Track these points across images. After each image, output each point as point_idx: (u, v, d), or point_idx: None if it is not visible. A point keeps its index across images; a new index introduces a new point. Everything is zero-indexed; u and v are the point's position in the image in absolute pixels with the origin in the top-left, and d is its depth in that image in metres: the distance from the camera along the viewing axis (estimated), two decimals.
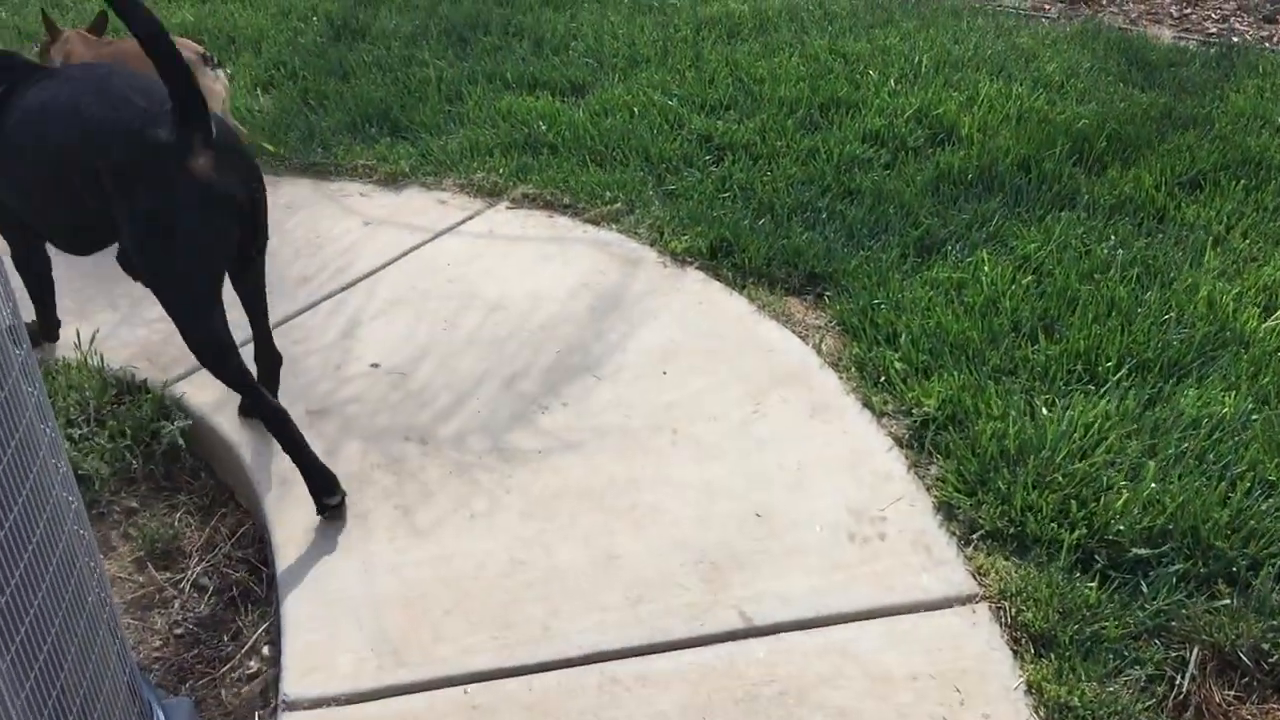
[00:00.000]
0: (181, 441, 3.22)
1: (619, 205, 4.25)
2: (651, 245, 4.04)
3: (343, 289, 3.86)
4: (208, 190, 2.64)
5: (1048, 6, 6.12)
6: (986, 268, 3.72)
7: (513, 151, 4.64)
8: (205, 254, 2.75)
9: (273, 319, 3.70)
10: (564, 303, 3.75)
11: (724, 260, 3.90)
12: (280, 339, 3.59)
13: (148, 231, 2.68)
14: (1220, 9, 5.86)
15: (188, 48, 4.22)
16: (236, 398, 3.27)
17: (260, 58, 5.55)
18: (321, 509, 2.88)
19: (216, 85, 4.25)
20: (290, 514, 2.92)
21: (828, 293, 3.72)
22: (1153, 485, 2.82)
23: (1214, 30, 5.69)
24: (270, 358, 3.23)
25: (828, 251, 3.87)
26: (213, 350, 2.83)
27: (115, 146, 2.64)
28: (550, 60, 5.43)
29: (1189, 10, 5.88)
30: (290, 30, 5.86)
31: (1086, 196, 4.14)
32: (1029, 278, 3.68)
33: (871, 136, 4.58)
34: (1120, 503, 2.77)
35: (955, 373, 3.25)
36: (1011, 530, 2.75)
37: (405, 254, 4.07)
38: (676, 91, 5.05)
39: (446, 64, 5.41)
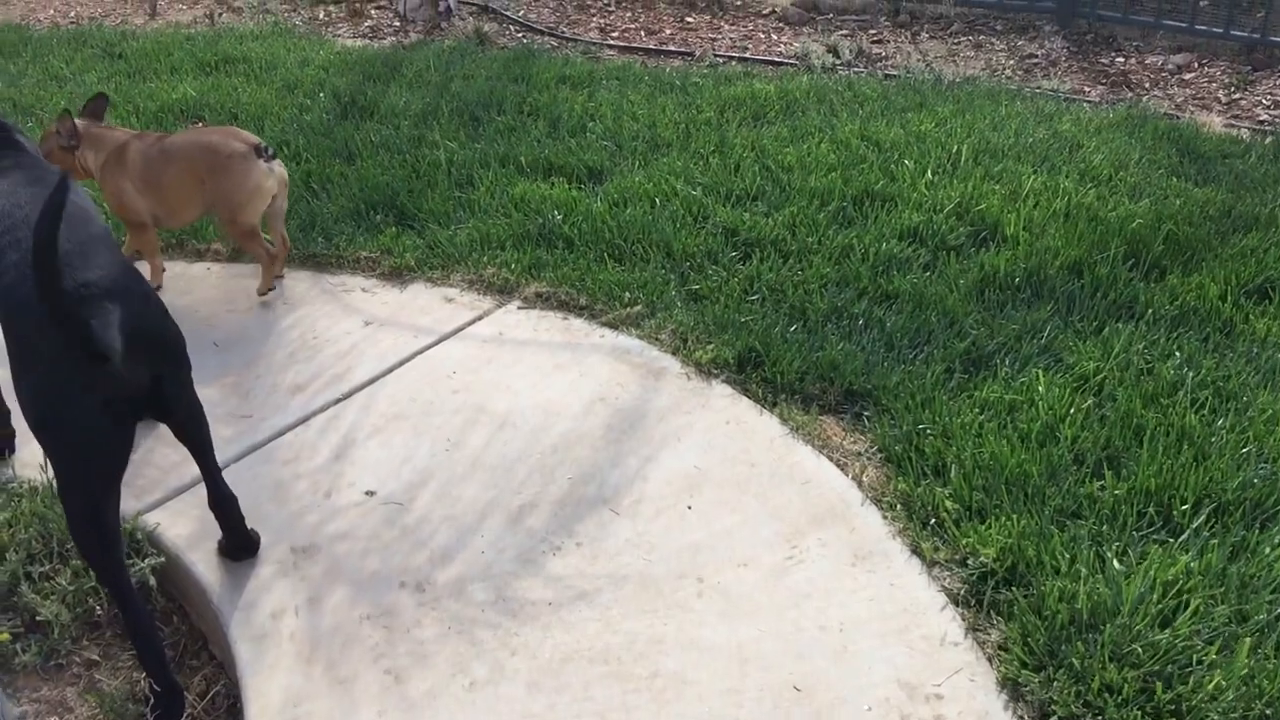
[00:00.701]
0: (153, 581, 2.89)
1: (639, 308, 3.94)
2: (674, 354, 3.72)
3: (338, 400, 3.56)
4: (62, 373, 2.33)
5: (1087, 90, 5.85)
6: (1041, 388, 3.40)
7: (525, 244, 4.36)
8: (64, 437, 2.44)
9: (263, 432, 3.41)
10: (579, 419, 3.44)
11: (753, 373, 3.59)
12: (268, 459, 3.29)
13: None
14: (1271, 94, 5.58)
15: (240, 138, 3.99)
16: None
17: (262, 136, 5.28)
18: None
19: (270, 181, 4.01)
20: (267, 678, 2.59)
21: (867, 413, 3.40)
22: (1247, 662, 2.48)
23: (1265, 118, 5.41)
24: (223, 503, 2.89)
25: (866, 365, 3.56)
26: (84, 541, 2.51)
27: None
28: (566, 143, 5.17)
29: (1238, 95, 5.59)
30: (295, 107, 5.61)
31: (1146, 306, 3.82)
32: (1089, 400, 3.35)
33: (909, 233, 4.28)
34: (1211, 684, 2.42)
35: (1013, 515, 2.91)
36: (1089, 717, 2.40)
37: (408, 360, 3.77)
38: (700, 179, 4.77)
39: (458, 145, 5.15)
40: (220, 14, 7.23)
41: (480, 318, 4.01)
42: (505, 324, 3.97)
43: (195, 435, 2.79)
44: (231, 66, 6.10)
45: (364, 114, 5.55)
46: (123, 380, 2.39)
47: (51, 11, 7.49)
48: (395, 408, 3.52)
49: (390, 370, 3.72)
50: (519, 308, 4.06)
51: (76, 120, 4.07)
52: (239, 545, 2.93)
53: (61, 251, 2.42)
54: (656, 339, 3.81)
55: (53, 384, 2.36)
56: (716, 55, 6.41)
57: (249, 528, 2.95)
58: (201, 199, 4.10)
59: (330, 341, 3.88)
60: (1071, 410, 3.30)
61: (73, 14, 7.44)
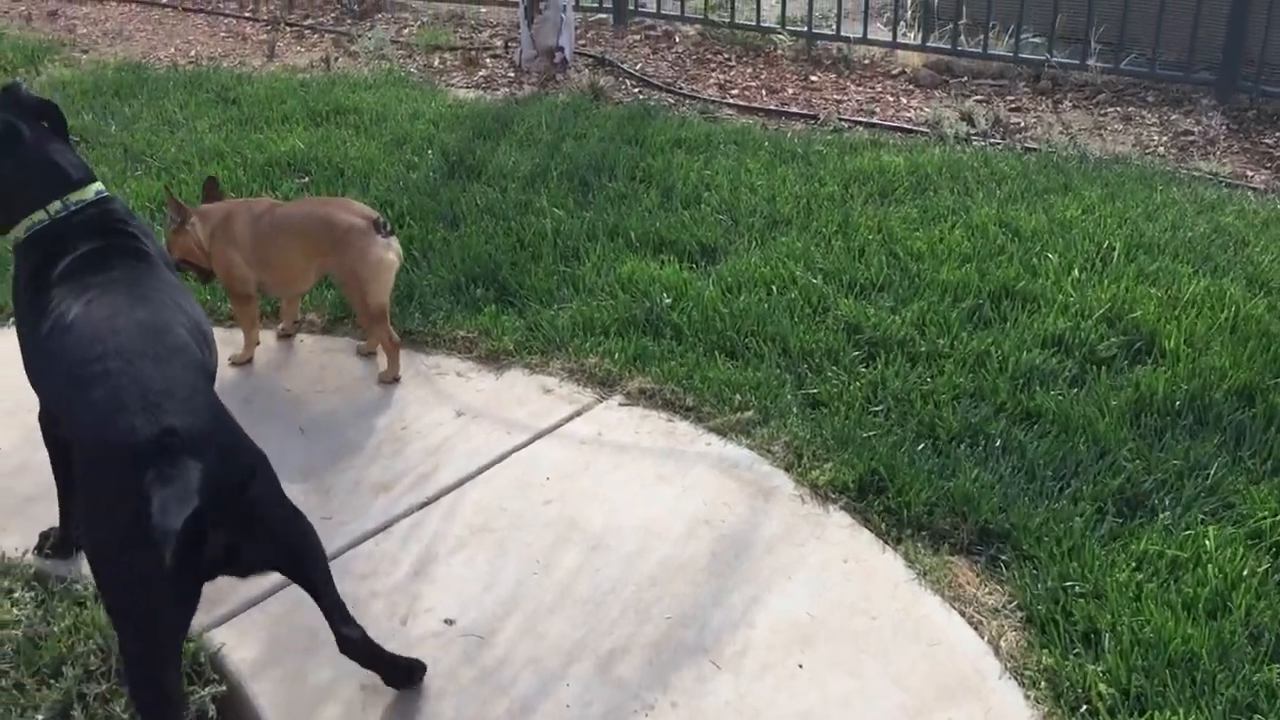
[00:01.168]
0: (212, 712, 2.66)
1: (750, 413, 3.62)
2: (787, 470, 3.39)
3: (423, 504, 3.30)
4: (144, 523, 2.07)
5: (1250, 174, 5.36)
6: (1209, 543, 2.98)
7: (631, 331, 4.07)
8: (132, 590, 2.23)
9: (342, 538, 3.18)
10: (680, 544, 3.13)
11: (875, 500, 3.24)
12: (345, 571, 3.03)
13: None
14: None
15: (357, 212, 3.78)
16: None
17: (367, 195, 5.12)
18: None
19: (389, 254, 3.79)
20: None
21: (1005, 557, 3.02)
22: None
23: None
24: (351, 647, 2.61)
25: (1004, 499, 3.18)
26: (141, 700, 2.31)
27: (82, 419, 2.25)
28: (679, 215, 4.88)
29: None
30: (402, 164, 5.44)
31: None
32: (1265, 563, 2.93)
33: (1053, 341, 3.89)
34: None
35: (1179, 708, 2.51)
36: None
37: (499, 460, 3.51)
38: (821, 264, 4.44)
39: (565, 214, 4.90)
40: (336, 58, 7.15)
41: (579, 413, 3.73)
42: (605, 423, 3.68)
43: (306, 575, 2.54)
44: (342, 117, 5.97)
45: (471, 174, 5.35)
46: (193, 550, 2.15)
47: (172, 50, 7.50)
48: (482, 517, 3.25)
49: (480, 471, 3.46)
50: (621, 404, 3.77)
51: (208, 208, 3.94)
52: (396, 679, 2.68)
53: (145, 382, 2.26)
54: (768, 451, 3.49)
55: (114, 541, 2.15)
56: (841, 119, 6.07)
57: (404, 658, 2.68)
58: (315, 272, 3.92)
59: (420, 434, 3.64)
60: (1245, 573, 2.88)
61: (193, 52, 7.44)
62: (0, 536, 3.22)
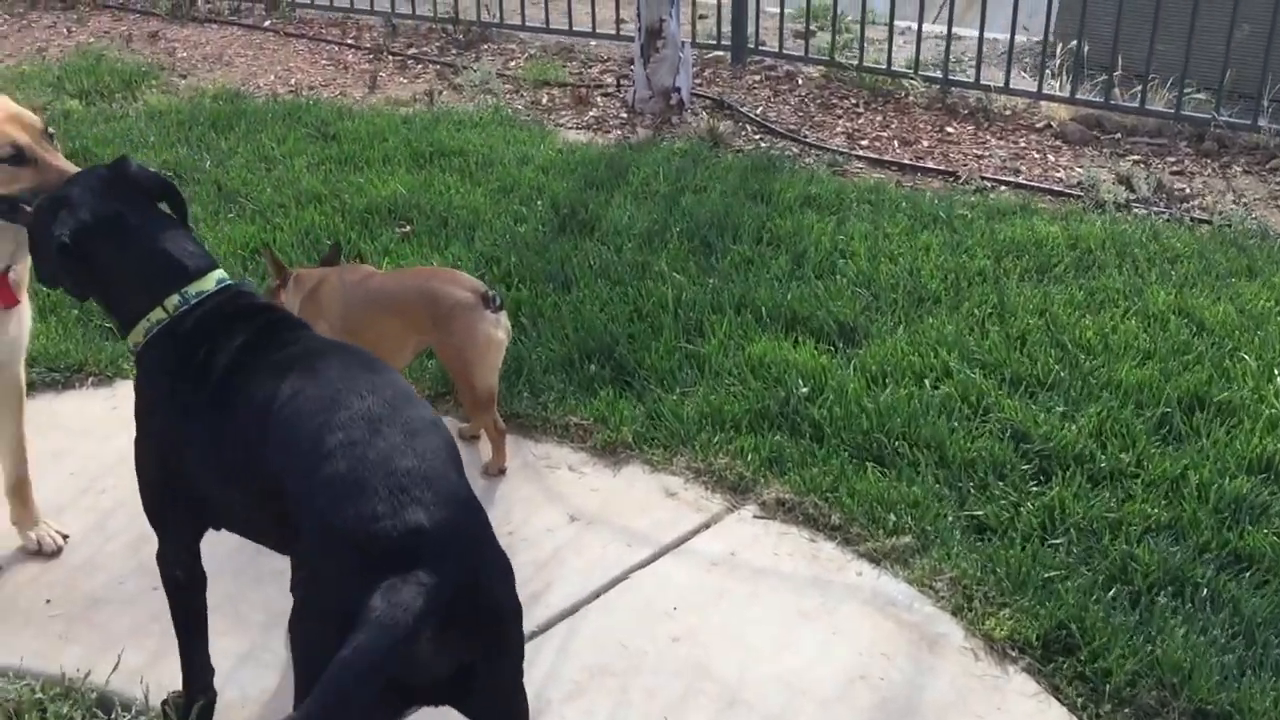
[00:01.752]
0: None
1: (908, 539, 3.15)
2: (955, 615, 2.92)
3: (534, 634, 2.87)
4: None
5: None
6: None
7: (764, 426, 3.63)
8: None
9: None
10: (830, 707, 2.67)
11: (1064, 663, 2.74)
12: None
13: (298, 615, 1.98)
14: None
15: (463, 284, 3.38)
16: None
17: (471, 249, 4.74)
18: None
19: (499, 333, 3.38)
20: None
21: None
22: None
23: None
24: None
25: (1222, 672, 2.66)
26: None
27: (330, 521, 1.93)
28: (812, 285, 4.42)
29: None
30: (510, 216, 5.05)
31: None
32: None
33: (1260, 464, 3.36)
34: None
35: None
36: None
37: (619, 581, 3.08)
38: (976, 352, 3.95)
39: (687, 280, 4.47)
40: (440, 92, 6.82)
41: (707, 525, 3.29)
42: (738, 538, 3.24)
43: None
44: (446, 160, 5.61)
45: (583, 229, 4.94)
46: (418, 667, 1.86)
47: (271, 77, 7.24)
48: (600, 656, 2.82)
49: (597, 594, 3.03)
50: (755, 516, 3.32)
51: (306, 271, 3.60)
52: None
53: (391, 458, 1.96)
54: (930, 587, 3.01)
55: (327, 644, 1.80)
56: (984, 177, 5.56)
57: None
58: (412, 351, 3.54)
59: (528, 541, 3.22)
60: None
61: (293, 80, 7.17)
62: (60, 648, 2.86)
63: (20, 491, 3.20)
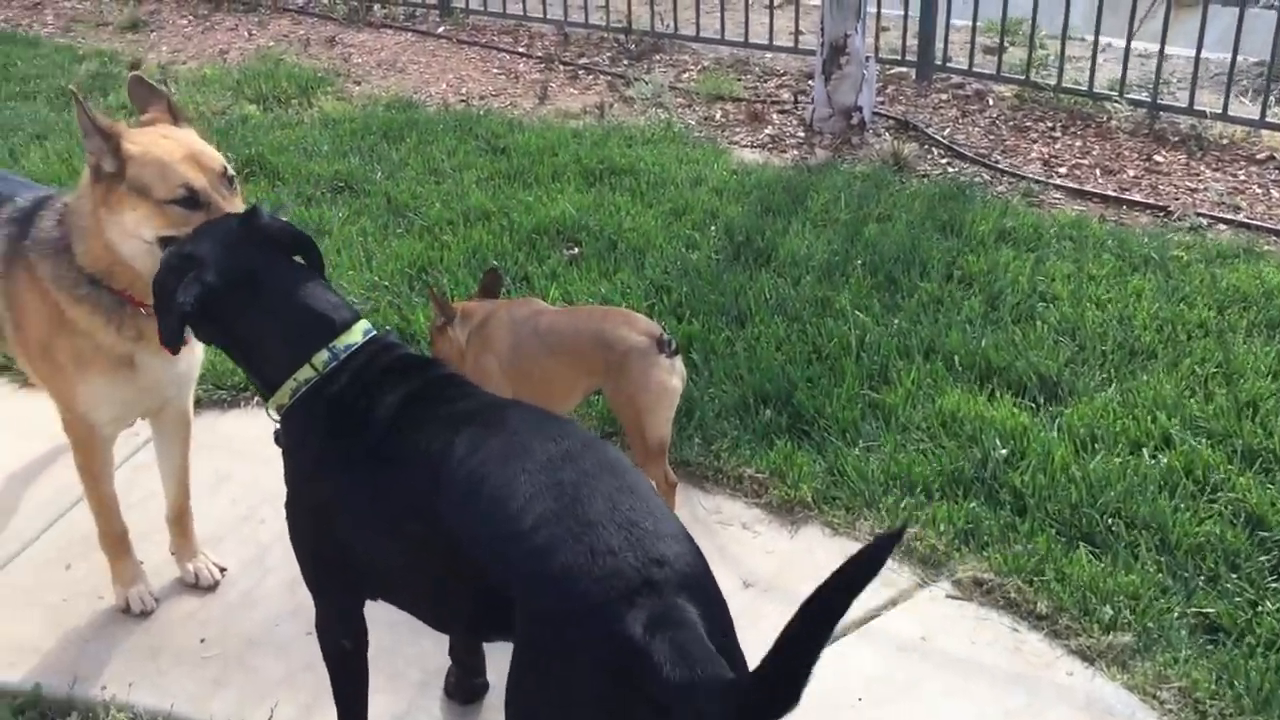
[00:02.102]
0: None
1: (1127, 638, 2.79)
2: None
3: None
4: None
5: None
6: None
7: (958, 492, 3.31)
8: None
9: None
10: None
11: None
12: None
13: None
14: None
15: (637, 326, 3.16)
16: None
17: (640, 276, 4.53)
18: None
19: (673, 379, 3.15)
20: None
21: None
22: None
23: None
24: None
25: None
26: None
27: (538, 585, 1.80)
28: (1009, 331, 4.06)
29: None
30: (682, 241, 4.83)
31: None
32: None
33: None
34: None
35: None
36: None
37: None
38: (1200, 419, 3.54)
39: (870, 319, 4.16)
40: (611, 105, 6.64)
41: (895, 602, 3.00)
42: (930, 620, 2.93)
43: None
44: (617, 179, 5.42)
45: (759, 258, 4.68)
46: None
47: (444, 86, 7.20)
48: None
49: None
50: (949, 595, 3.01)
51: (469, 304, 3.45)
52: None
53: (612, 497, 1.85)
54: (1154, 696, 2.66)
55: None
56: (1199, 213, 5.08)
57: None
58: (581, 393, 3.35)
59: None
60: None
61: (464, 89, 7.11)
62: (212, 693, 2.77)
63: (181, 521, 3.13)
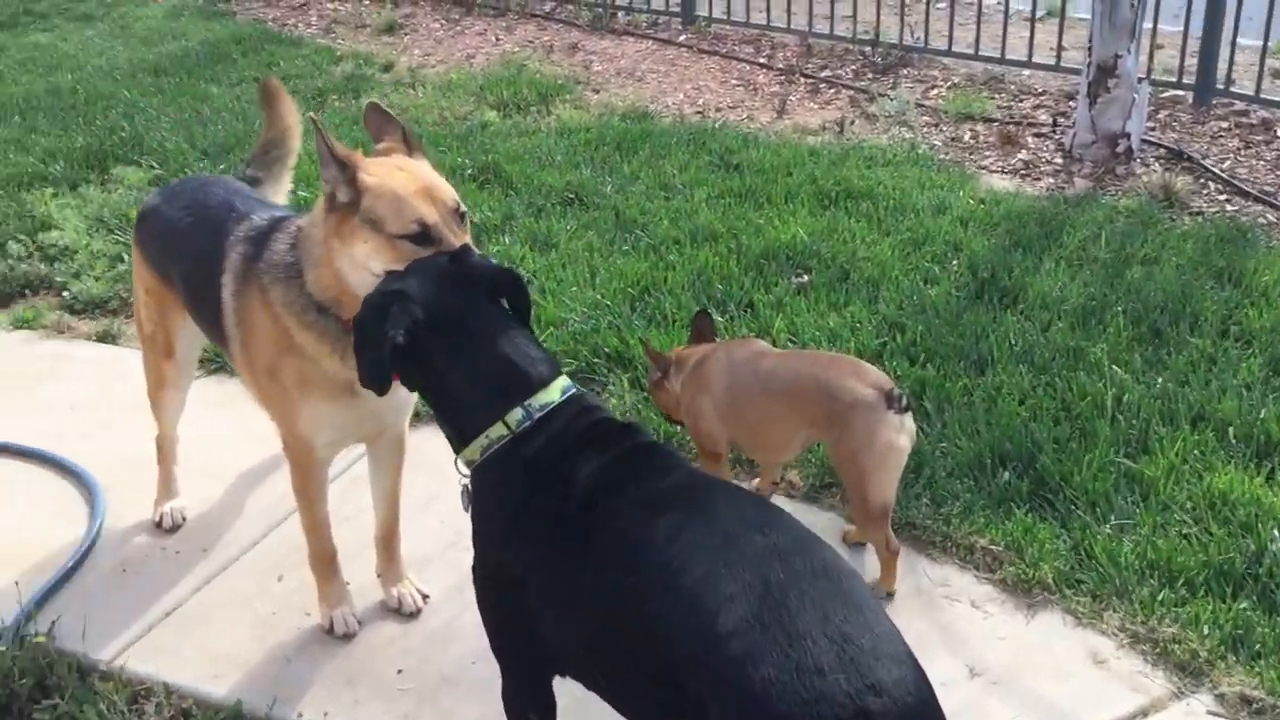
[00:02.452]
0: None
1: None
2: None
3: None
4: None
5: None
6: None
7: (1225, 588, 2.92)
8: None
9: None
10: None
11: None
12: None
13: None
14: None
15: (865, 378, 2.94)
16: None
17: (873, 310, 4.26)
18: None
19: (901, 438, 2.92)
20: None
21: None
22: None
23: None
24: None
25: None
26: None
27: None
28: None
29: None
30: (920, 274, 4.52)
31: None
32: None
33: None
34: None
35: None
36: None
37: None
38: None
39: (1130, 376, 3.76)
40: (852, 121, 6.36)
41: (1145, 713, 2.66)
42: None
43: None
44: (853, 203, 5.16)
45: (1004, 298, 4.33)
46: None
47: (681, 96, 7.08)
48: None
49: None
50: (1210, 712, 2.64)
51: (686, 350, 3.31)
52: None
53: (823, 605, 1.69)
54: None
55: None
56: None
57: None
58: (800, 444, 3.15)
59: None
60: None
61: (701, 100, 6.97)
62: None
63: (389, 544, 3.10)
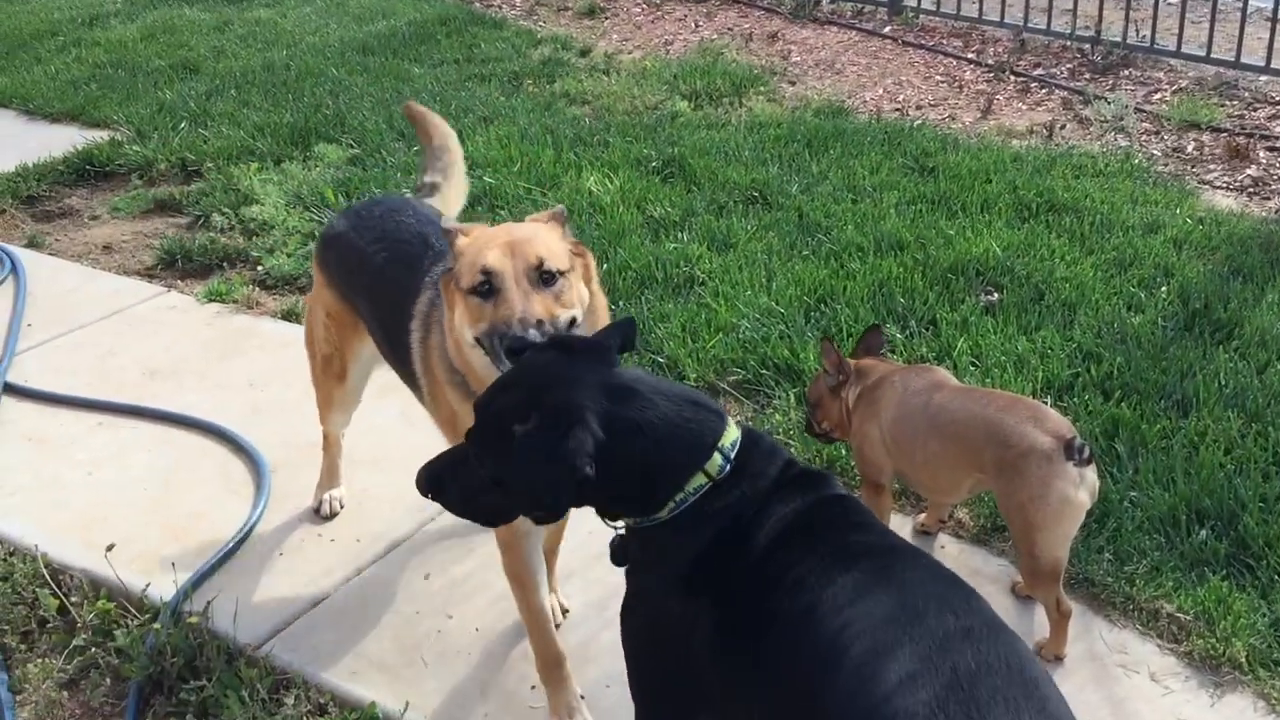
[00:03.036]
0: None
1: None
2: None
3: None
4: None
5: None
6: None
7: None
8: None
9: None
10: None
11: None
12: None
13: None
14: None
15: (1046, 424, 2.70)
16: None
17: (1067, 337, 3.96)
18: None
19: (1079, 494, 2.67)
20: None
21: None
22: None
23: None
24: None
25: None
26: None
27: None
28: None
29: None
30: (1123, 299, 4.18)
31: None
32: None
33: None
34: None
35: None
36: None
37: None
38: None
39: None
40: (1062, 125, 5.96)
41: None
42: None
43: None
44: (1055, 217, 4.82)
45: (1218, 332, 3.95)
46: None
47: (880, 91, 6.80)
48: None
49: None
50: None
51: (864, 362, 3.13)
52: None
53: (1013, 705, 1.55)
54: None
55: None
56: None
57: None
58: (969, 488, 2.93)
59: None
60: None
61: (901, 97, 6.67)
62: None
63: (548, 560, 3.04)
